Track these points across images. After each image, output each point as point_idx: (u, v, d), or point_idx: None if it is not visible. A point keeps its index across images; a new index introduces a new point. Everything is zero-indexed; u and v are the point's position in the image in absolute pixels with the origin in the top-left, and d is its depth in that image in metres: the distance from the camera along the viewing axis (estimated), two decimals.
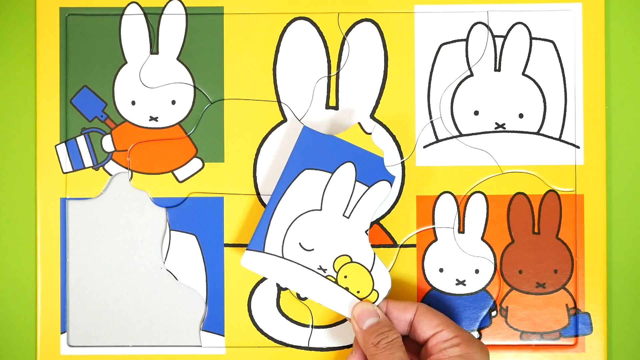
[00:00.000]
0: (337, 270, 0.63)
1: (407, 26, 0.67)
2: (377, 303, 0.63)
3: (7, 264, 0.68)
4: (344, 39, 0.67)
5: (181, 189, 0.67)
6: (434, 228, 0.67)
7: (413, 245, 0.67)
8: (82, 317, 0.67)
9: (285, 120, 0.67)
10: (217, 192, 0.67)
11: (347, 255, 0.63)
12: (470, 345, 0.60)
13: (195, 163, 0.67)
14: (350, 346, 0.67)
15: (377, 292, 0.63)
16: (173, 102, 0.67)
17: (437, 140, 0.67)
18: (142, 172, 0.67)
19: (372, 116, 0.67)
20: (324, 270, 0.63)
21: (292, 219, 0.63)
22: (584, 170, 0.67)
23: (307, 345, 0.67)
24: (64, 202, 0.67)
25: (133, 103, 0.67)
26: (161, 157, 0.67)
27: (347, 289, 0.63)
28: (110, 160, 0.67)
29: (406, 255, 0.67)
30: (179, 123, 0.67)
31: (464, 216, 0.67)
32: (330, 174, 0.63)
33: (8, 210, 0.68)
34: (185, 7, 0.67)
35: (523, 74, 0.67)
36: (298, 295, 0.67)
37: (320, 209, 0.63)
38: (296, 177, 0.63)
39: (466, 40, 0.67)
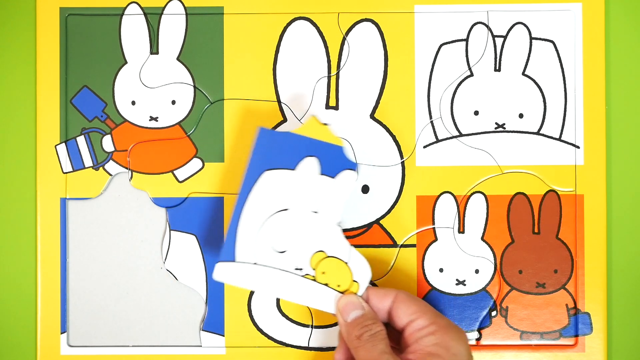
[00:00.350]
0: (314, 268, 0.61)
1: (407, 26, 0.67)
2: (359, 294, 0.61)
3: (7, 264, 0.68)
4: (344, 39, 0.67)
5: (181, 189, 0.67)
6: (434, 228, 0.67)
7: (413, 245, 0.67)
8: (82, 317, 0.67)
9: (285, 120, 0.67)
10: (217, 192, 0.67)
11: (322, 251, 0.61)
12: (447, 332, 0.58)
13: (195, 163, 0.67)
14: None
15: (357, 282, 0.61)
16: (173, 102, 0.67)
17: (437, 140, 0.67)
18: (142, 172, 0.67)
19: (372, 116, 0.67)
20: (301, 270, 0.61)
21: (260, 224, 0.61)
22: (584, 170, 0.67)
23: (307, 345, 0.67)
24: (64, 202, 0.67)
25: (133, 103, 0.67)
26: (161, 157, 0.67)
27: (327, 284, 0.61)
28: (110, 160, 0.67)
29: (406, 255, 0.67)
30: (179, 123, 0.67)
31: (464, 216, 0.67)
32: (292, 171, 0.62)
33: (8, 210, 0.68)
34: (185, 7, 0.67)
35: (523, 74, 0.67)
36: None
37: (288, 209, 0.62)
38: (258, 180, 0.62)
39: (466, 40, 0.67)
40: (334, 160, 0.62)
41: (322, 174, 0.62)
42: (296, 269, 0.61)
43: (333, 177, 0.62)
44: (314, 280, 0.61)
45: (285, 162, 0.62)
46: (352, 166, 0.62)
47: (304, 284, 0.61)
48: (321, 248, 0.62)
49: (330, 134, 0.63)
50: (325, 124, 0.62)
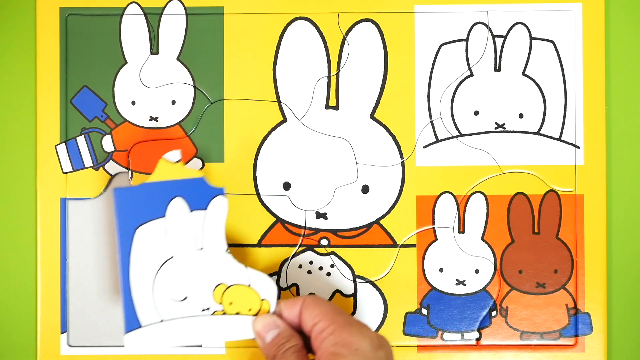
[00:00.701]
0: (220, 302, 0.60)
1: (407, 26, 0.67)
2: (272, 309, 0.61)
3: (7, 264, 0.68)
4: (344, 39, 0.67)
5: None
6: (434, 228, 0.67)
7: (413, 245, 0.67)
8: (82, 317, 0.67)
9: (285, 120, 0.67)
10: None
11: (221, 284, 0.61)
12: (345, 329, 0.57)
13: (195, 163, 0.67)
14: None
15: (267, 300, 0.61)
16: (173, 102, 0.67)
17: (437, 140, 0.67)
18: (142, 172, 0.67)
19: (372, 116, 0.67)
20: (209, 309, 0.60)
21: (152, 280, 0.60)
22: (584, 170, 0.67)
23: None
24: (64, 202, 0.67)
25: (133, 103, 0.67)
26: (161, 157, 0.67)
27: (238, 313, 0.60)
28: (110, 160, 0.67)
29: (406, 255, 0.67)
30: (179, 123, 0.67)
31: (464, 216, 0.67)
32: (163, 219, 0.60)
33: (8, 210, 0.68)
34: (185, 7, 0.67)
35: (523, 74, 0.67)
36: (298, 295, 0.67)
37: (173, 256, 0.60)
38: (133, 240, 0.60)
39: (466, 40, 0.67)
40: (200, 193, 0.61)
41: (192, 210, 0.61)
42: (203, 310, 0.60)
43: (205, 209, 0.61)
44: (225, 314, 0.60)
45: (153, 213, 0.60)
46: (220, 192, 0.61)
47: (217, 321, 0.60)
48: (220, 281, 0.61)
49: (185, 170, 0.61)
50: (177, 161, 0.61)
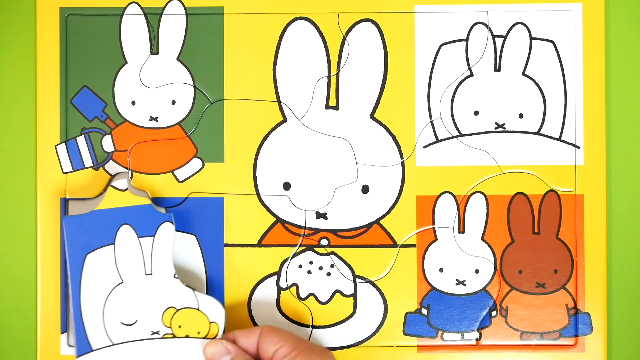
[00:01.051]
0: (169, 326, 0.62)
1: (407, 26, 0.67)
2: (220, 333, 0.62)
3: (7, 264, 0.68)
4: (344, 39, 0.67)
5: (181, 189, 0.67)
6: (434, 228, 0.67)
7: (413, 245, 0.67)
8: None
9: (285, 120, 0.67)
10: (217, 192, 0.67)
11: (171, 307, 0.62)
12: (309, 355, 0.59)
13: (195, 163, 0.67)
14: (349, 346, 0.67)
15: (215, 323, 0.62)
16: (173, 102, 0.67)
17: (437, 140, 0.67)
18: (142, 172, 0.67)
19: (372, 116, 0.67)
20: (158, 332, 0.62)
21: (102, 305, 0.62)
22: (584, 170, 0.67)
23: None
24: (64, 202, 0.67)
25: (133, 103, 0.67)
26: (161, 157, 0.67)
27: (187, 336, 0.62)
28: (110, 160, 0.67)
29: (406, 255, 0.67)
30: (179, 123, 0.67)
31: (464, 216, 0.67)
32: (112, 246, 0.63)
33: (8, 210, 0.68)
34: (185, 7, 0.67)
35: (523, 74, 0.67)
36: (298, 295, 0.67)
37: (122, 281, 0.63)
38: (83, 267, 0.62)
39: (466, 40, 0.67)
40: (148, 219, 0.63)
41: (140, 237, 0.63)
42: (153, 333, 0.62)
43: (153, 235, 0.63)
44: (174, 336, 0.62)
45: (102, 240, 0.63)
46: (167, 218, 0.63)
47: (166, 344, 0.62)
48: (169, 305, 0.62)
49: (133, 197, 0.63)
50: (125, 189, 0.63)
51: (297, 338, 0.61)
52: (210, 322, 0.62)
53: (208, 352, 0.61)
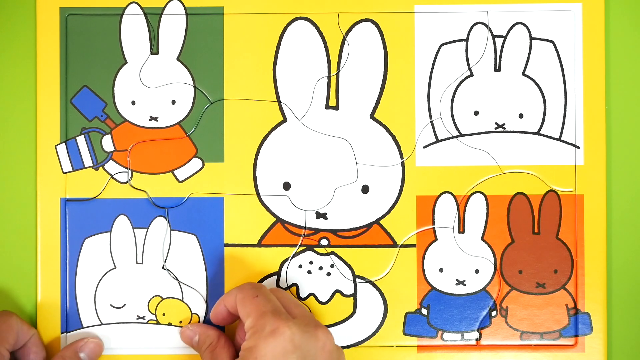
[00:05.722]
0: (154, 313, 0.66)
1: (407, 26, 0.67)
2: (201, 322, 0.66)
3: (7, 263, 0.68)
4: (344, 39, 0.67)
5: (181, 189, 0.67)
6: (434, 228, 0.67)
7: (413, 245, 0.67)
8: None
9: (285, 120, 0.67)
10: (217, 192, 0.67)
11: (157, 296, 0.66)
12: (259, 334, 0.58)
13: (195, 163, 0.67)
14: (349, 346, 0.67)
15: (197, 315, 0.66)
16: (173, 102, 0.67)
17: (437, 140, 0.67)
18: (142, 172, 0.67)
19: (372, 116, 0.67)
20: (144, 318, 0.66)
21: (94, 288, 0.66)
22: (584, 170, 0.67)
23: None
24: (64, 202, 0.67)
25: (133, 103, 0.67)
26: (161, 157, 0.67)
27: (170, 324, 0.66)
28: (110, 160, 0.67)
29: (406, 255, 0.67)
30: (179, 123, 0.67)
31: (464, 216, 0.67)
32: (109, 233, 0.66)
33: (8, 210, 0.68)
34: (185, 7, 0.67)
35: (523, 74, 0.67)
36: (298, 295, 0.67)
37: (115, 267, 0.66)
38: (81, 249, 0.66)
39: (466, 40, 0.67)
40: (143, 212, 0.66)
41: (135, 228, 0.66)
42: (138, 317, 0.66)
43: (147, 227, 0.66)
44: (158, 323, 0.66)
45: (100, 227, 0.66)
46: (161, 212, 0.66)
47: (150, 329, 0.66)
48: (155, 293, 0.66)
49: (133, 190, 0.66)
50: (126, 182, 0.66)
51: (259, 313, 0.59)
52: (192, 313, 0.66)
53: (182, 338, 0.65)
